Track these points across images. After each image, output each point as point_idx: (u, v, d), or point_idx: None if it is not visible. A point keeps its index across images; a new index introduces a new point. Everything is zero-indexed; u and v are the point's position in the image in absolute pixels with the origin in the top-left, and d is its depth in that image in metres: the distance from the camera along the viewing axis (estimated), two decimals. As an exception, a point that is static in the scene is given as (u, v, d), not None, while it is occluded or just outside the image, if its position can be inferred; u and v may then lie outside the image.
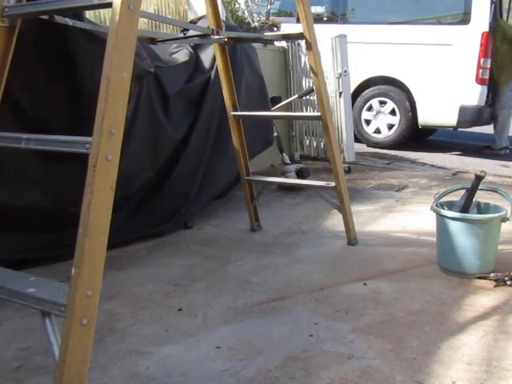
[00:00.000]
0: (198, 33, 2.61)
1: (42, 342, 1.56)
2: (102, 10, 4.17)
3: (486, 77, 5.37)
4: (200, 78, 3.06)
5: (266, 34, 3.16)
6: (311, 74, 2.53)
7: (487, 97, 5.50)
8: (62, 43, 2.19)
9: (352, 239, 2.58)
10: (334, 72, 4.32)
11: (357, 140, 5.68)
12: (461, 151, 5.99)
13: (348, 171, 4.41)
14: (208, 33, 2.49)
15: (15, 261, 2.11)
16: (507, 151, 5.76)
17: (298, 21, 3.53)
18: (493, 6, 5.29)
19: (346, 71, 4.28)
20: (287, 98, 4.53)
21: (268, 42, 4.00)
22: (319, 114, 2.47)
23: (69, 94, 2.30)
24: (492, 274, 2.11)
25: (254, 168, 3.32)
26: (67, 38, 2.20)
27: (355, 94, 5.79)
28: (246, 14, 4.97)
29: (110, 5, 1.15)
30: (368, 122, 6.06)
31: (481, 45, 5.28)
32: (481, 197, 2.31)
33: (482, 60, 5.31)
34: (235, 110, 2.74)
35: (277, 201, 3.54)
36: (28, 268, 2.18)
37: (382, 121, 5.98)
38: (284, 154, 3.97)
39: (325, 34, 3.95)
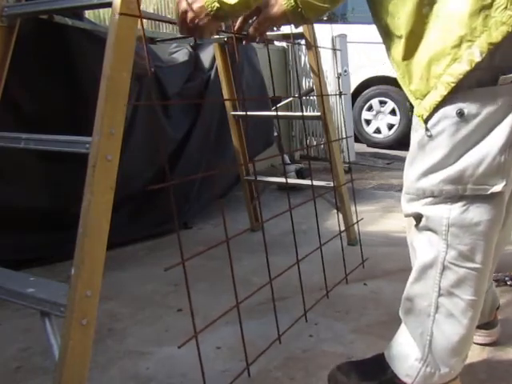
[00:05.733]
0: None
1: (41, 342, 1.56)
2: (101, 10, 4.18)
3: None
4: (200, 77, 3.06)
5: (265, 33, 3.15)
6: (311, 74, 2.53)
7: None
8: (61, 43, 2.19)
9: (352, 239, 2.58)
10: (334, 72, 4.32)
11: (357, 140, 5.68)
12: (461, 151, 5.99)
13: (348, 171, 4.41)
14: (208, 33, 2.49)
15: (15, 261, 2.11)
16: None
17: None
18: (493, 5, 5.29)
19: (345, 71, 4.28)
20: (287, 98, 4.53)
21: (268, 42, 3.99)
22: (319, 113, 2.47)
23: (68, 94, 2.30)
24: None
25: (254, 168, 3.31)
26: (67, 38, 2.20)
27: (355, 94, 5.79)
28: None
29: (109, 5, 1.14)
30: (368, 121, 6.06)
31: (481, 44, 5.29)
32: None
33: (482, 60, 5.31)
34: (235, 109, 2.74)
35: (277, 201, 3.53)
36: (28, 268, 2.18)
37: (382, 121, 5.98)
38: (284, 154, 3.97)
39: (325, 33, 3.95)
